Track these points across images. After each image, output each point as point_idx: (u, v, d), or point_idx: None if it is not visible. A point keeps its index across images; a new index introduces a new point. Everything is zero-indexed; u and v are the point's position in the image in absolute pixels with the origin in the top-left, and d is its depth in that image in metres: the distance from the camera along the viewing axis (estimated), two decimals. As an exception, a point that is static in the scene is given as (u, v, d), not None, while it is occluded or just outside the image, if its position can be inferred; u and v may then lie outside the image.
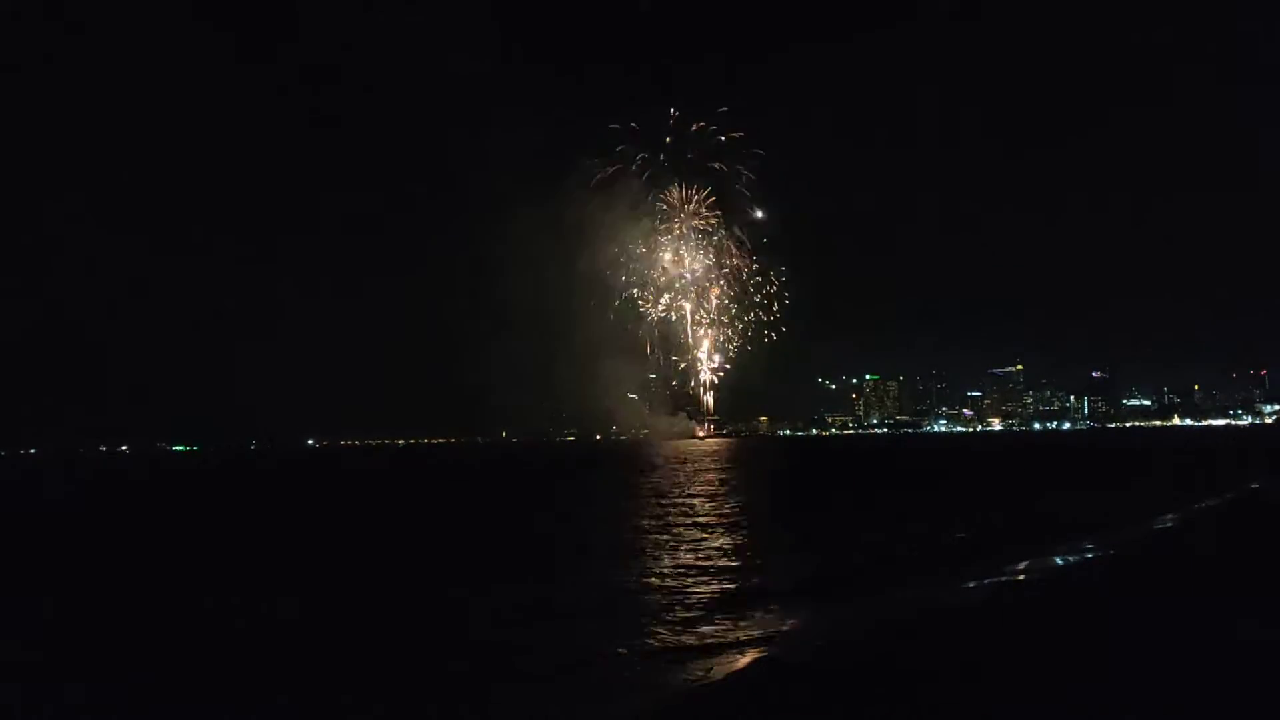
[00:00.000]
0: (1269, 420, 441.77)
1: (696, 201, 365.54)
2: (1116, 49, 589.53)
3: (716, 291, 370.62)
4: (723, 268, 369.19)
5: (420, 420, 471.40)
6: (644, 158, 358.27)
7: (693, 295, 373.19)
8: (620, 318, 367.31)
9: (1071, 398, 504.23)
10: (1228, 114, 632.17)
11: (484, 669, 16.37)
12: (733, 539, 33.57)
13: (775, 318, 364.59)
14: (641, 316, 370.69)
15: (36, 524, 51.24)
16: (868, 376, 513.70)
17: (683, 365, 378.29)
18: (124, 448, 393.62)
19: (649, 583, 24.12)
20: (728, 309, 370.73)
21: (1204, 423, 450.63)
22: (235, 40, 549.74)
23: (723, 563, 27.45)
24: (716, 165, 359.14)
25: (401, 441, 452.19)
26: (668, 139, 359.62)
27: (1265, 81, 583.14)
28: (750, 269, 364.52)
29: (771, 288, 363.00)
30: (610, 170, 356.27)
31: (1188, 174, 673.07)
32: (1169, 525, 33.32)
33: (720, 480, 74.11)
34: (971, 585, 22.14)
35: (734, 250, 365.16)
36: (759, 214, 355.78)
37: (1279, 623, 15.44)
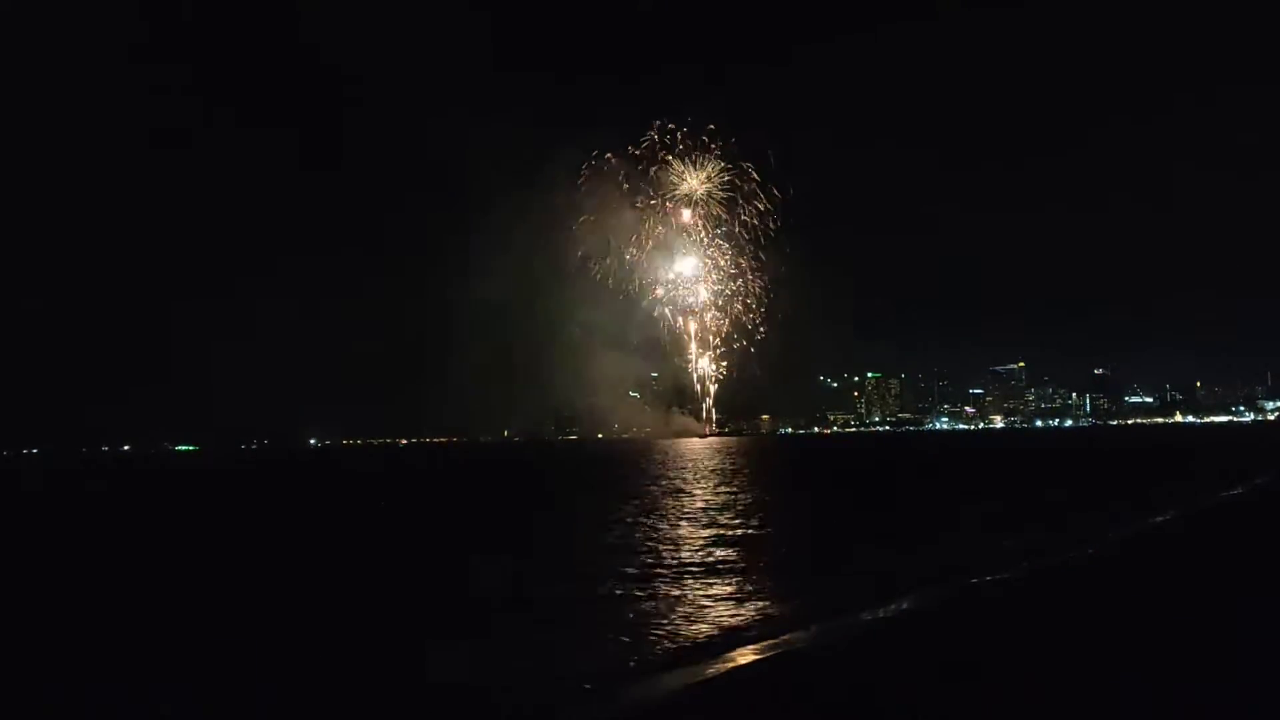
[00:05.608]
0: (1271, 417, 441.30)
1: (695, 197, 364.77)
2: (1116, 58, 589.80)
3: (717, 289, 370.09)
4: (722, 266, 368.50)
5: (420, 420, 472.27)
6: (644, 152, 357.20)
7: (693, 293, 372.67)
8: (620, 315, 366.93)
9: (1073, 395, 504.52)
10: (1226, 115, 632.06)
11: (474, 666, 16.13)
12: (734, 540, 33.23)
13: (776, 316, 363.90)
14: (641, 314, 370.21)
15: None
16: (869, 374, 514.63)
17: (683, 363, 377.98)
18: (126, 448, 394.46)
19: (645, 582, 23.82)
20: (728, 307, 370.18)
21: (1206, 419, 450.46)
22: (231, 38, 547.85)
23: (726, 565, 27.12)
24: (717, 162, 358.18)
25: (403, 441, 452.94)
26: (668, 135, 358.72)
27: (1261, 82, 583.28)
28: (752, 267, 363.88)
29: (772, 286, 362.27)
30: (608, 165, 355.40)
31: (1187, 172, 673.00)
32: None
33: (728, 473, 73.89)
34: (974, 583, 21.81)
35: (733, 248, 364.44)
36: (763, 208, 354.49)
37: None
